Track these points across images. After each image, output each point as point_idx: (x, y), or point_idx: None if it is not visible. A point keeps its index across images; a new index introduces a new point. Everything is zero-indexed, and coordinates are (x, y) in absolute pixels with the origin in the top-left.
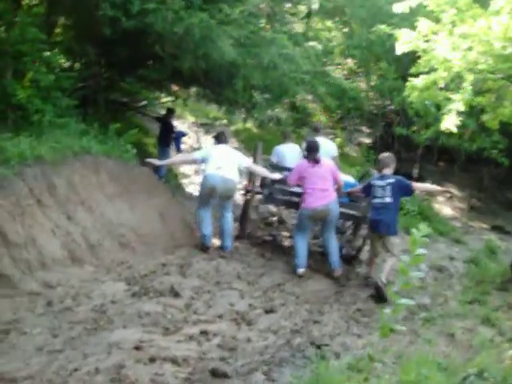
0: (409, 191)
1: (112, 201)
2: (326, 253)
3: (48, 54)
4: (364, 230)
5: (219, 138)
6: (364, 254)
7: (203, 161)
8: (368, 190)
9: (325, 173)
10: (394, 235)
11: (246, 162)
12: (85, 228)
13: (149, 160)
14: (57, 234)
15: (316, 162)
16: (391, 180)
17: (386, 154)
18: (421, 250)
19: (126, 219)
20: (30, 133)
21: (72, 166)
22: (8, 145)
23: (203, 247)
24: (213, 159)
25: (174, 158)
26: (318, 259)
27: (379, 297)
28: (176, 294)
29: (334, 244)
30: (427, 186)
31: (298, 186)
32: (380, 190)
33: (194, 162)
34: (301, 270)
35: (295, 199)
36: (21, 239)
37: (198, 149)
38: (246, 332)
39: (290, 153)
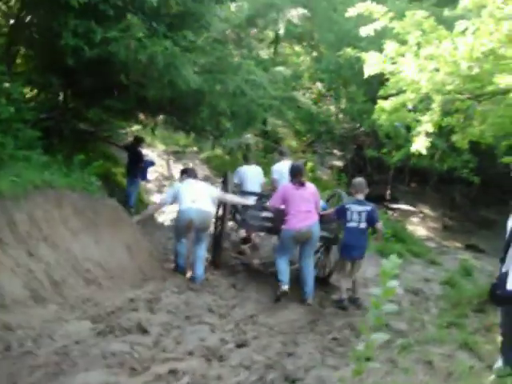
0: (373, 224)
1: (76, 235)
2: (302, 279)
3: (8, 85)
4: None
5: (187, 173)
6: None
7: (174, 199)
8: (342, 214)
9: (308, 195)
10: (363, 258)
11: (216, 192)
12: (48, 265)
13: (134, 218)
14: (17, 272)
15: (301, 184)
16: (368, 208)
17: (359, 179)
18: (392, 283)
19: (91, 254)
20: None
21: (34, 201)
22: None
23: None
24: (186, 193)
25: (148, 210)
26: (293, 287)
27: (358, 305)
28: (144, 331)
29: (311, 273)
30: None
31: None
32: (356, 215)
33: (166, 204)
34: (285, 287)
35: (268, 224)
36: None
37: (169, 178)
38: (217, 369)
39: (252, 175)
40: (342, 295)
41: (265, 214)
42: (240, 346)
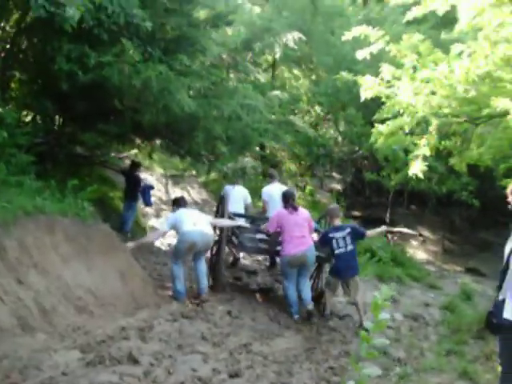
0: (362, 237)
1: (68, 262)
2: (299, 293)
3: (1, 110)
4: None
5: (179, 203)
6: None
7: (173, 227)
8: (326, 242)
9: (302, 220)
10: (357, 275)
11: (209, 218)
12: (37, 292)
13: (128, 245)
14: (5, 300)
15: (294, 209)
16: (348, 230)
17: (333, 206)
18: (384, 315)
19: (83, 281)
20: None
21: (24, 227)
22: None
23: (179, 301)
24: (185, 218)
25: (147, 237)
26: (287, 314)
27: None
28: (134, 361)
29: (307, 287)
30: (375, 230)
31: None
32: (341, 241)
33: (165, 233)
34: (296, 316)
35: (263, 246)
36: None
37: (167, 202)
38: None
39: (235, 195)
40: (326, 310)
41: (260, 236)
42: (233, 376)
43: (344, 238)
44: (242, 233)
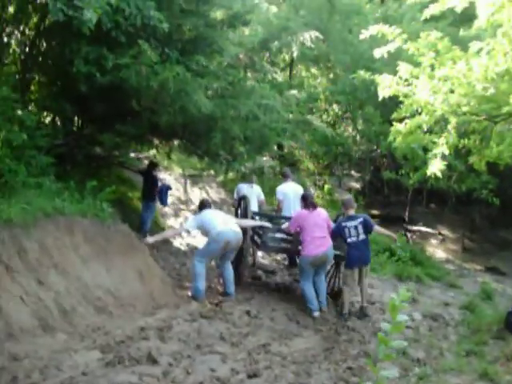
0: (371, 230)
1: (87, 263)
2: (316, 291)
3: (21, 112)
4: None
5: (205, 205)
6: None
7: (200, 227)
8: (340, 232)
9: (321, 221)
10: (369, 264)
11: (233, 219)
12: (58, 293)
13: (145, 240)
14: (26, 301)
15: (314, 207)
16: (361, 219)
17: (347, 197)
18: (402, 316)
19: (102, 281)
20: (2, 194)
21: (44, 228)
22: None
23: (198, 300)
24: (213, 219)
25: (166, 232)
26: (308, 314)
27: (360, 317)
28: (153, 361)
29: (323, 285)
30: (384, 230)
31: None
32: (353, 230)
33: (187, 232)
34: (316, 314)
35: (285, 245)
36: None
37: (186, 201)
38: None
39: (249, 194)
40: (344, 309)
41: (281, 235)
42: (251, 376)
43: (356, 227)
44: (265, 233)
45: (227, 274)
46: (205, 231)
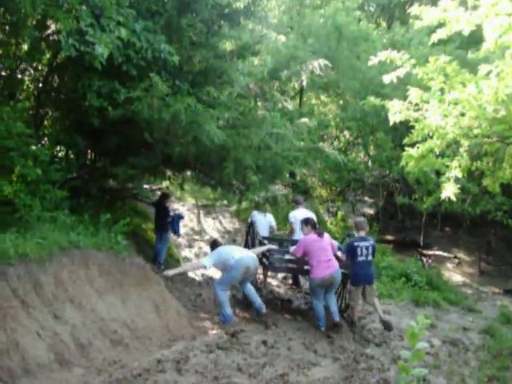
0: (375, 253)
1: (103, 295)
2: (328, 307)
3: (35, 148)
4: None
5: (216, 244)
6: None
7: (215, 265)
8: (352, 251)
9: (326, 245)
10: (373, 283)
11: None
12: (74, 327)
13: (165, 272)
14: (42, 335)
15: (320, 235)
16: (372, 242)
17: (361, 219)
18: (421, 344)
19: (118, 314)
20: (18, 229)
21: (59, 262)
22: None
23: (229, 324)
24: (229, 251)
25: (184, 266)
26: (325, 342)
27: (387, 328)
28: None
29: (333, 301)
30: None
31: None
32: (364, 250)
33: (204, 268)
34: (323, 328)
35: (291, 266)
36: (2, 345)
37: (200, 232)
38: None
39: (262, 221)
40: (354, 319)
41: (288, 256)
42: None
43: (367, 247)
44: (271, 255)
45: (251, 293)
46: (222, 264)
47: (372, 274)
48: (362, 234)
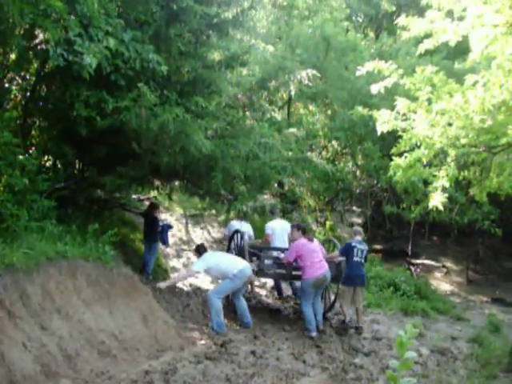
0: (366, 259)
1: (90, 306)
2: (314, 311)
3: (22, 157)
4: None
5: (203, 249)
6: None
7: (206, 270)
8: (348, 251)
9: (316, 247)
10: (364, 286)
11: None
12: (61, 338)
13: (158, 284)
14: (29, 346)
15: (311, 240)
16: (367, 247)
17: (356, 227)
18: (410, 353)
19: (105, 325)
20: (4, 239)
21: (46, 273)
22: None
23: (221, 333)
24: (222, 260)
25: (178, 275)
26: (313, 351)
27: (359, 333)
28: None
29: (320, 306)
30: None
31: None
32: (360, 252)
33: (197, 273)
34: (313, 334)
35: (281, 271)
36: None
37: (188, 241)
38: None
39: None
40: (346, 318)
41: (276, 261)
42: None
43: (362, 251)
44: (262, 261)
45: (242, 305)
46: (221, 273)
47: (364, 276)
48: (359, 238)
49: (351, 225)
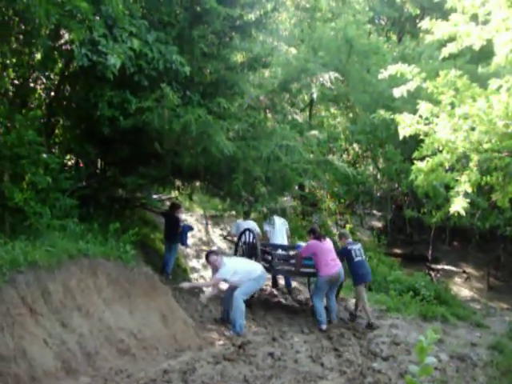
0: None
1: (110, 305)
2: (328, 307)
3: (45, 156)
4: None
5: (217, 253)
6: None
7: (233, 275)
8: (347, 254)
9: (330, 246)
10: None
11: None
12: (81, 335)
13: (181, 285)
14: (50, 343)
15: (324, 239)
16: (360, 244)
17: (343, 231)
18: (430, 359)
19: (125, 323)
20: (27, 236)
21: (68, 270)
22: (0, 251)
23: (241, 334)
24: (241, 265)
25: (202, 282)
26: (333, 355)
27: (372, 328)
28: None
29: (334, 302)
30: None
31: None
32: (358, 252)
33: (224, 281)
34: (323, 326)
35: (290, 268)
36: (10, 352)
37: (208, 243)
38: None
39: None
40: (369, 318)
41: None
42: None
43: (359, 249)
44: (273, 258)
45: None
46: (248, 275)
47: (369, 272)
48: (349, 240)
49: (371, 228)
